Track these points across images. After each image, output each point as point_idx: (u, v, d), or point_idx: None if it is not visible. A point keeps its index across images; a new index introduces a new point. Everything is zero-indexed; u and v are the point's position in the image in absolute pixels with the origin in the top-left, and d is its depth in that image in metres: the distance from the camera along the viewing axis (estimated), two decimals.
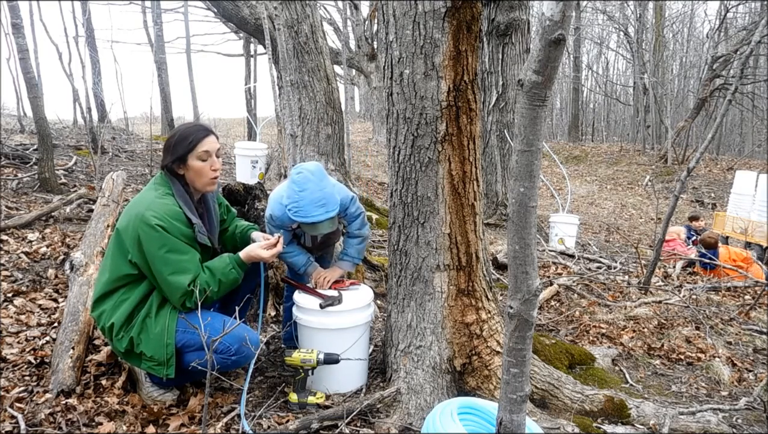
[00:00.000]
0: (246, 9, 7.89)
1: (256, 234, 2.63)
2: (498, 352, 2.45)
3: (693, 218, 7.83)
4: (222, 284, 2.31)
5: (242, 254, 2.40)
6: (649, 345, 3.57)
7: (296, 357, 2.40)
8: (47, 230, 3.98)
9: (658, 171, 15.96)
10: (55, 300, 3.13)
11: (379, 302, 3.65)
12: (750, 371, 3.28)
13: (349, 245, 2.90)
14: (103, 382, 2.45)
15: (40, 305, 3.05)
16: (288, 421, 2.32)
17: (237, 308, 2.37)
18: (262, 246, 2.46)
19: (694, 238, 7.06)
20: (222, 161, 2.44)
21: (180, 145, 2.30)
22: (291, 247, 2.82)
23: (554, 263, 5.31)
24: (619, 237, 8.68)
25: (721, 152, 20.79)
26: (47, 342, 2.69)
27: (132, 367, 2.43)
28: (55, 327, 2.82)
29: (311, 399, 2.44)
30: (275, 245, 2.49)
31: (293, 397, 2.43)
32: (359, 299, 2.65)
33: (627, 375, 3.15)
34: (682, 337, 3.65)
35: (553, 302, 4.25)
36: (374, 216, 6.39)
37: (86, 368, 2.51)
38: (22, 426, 2.09)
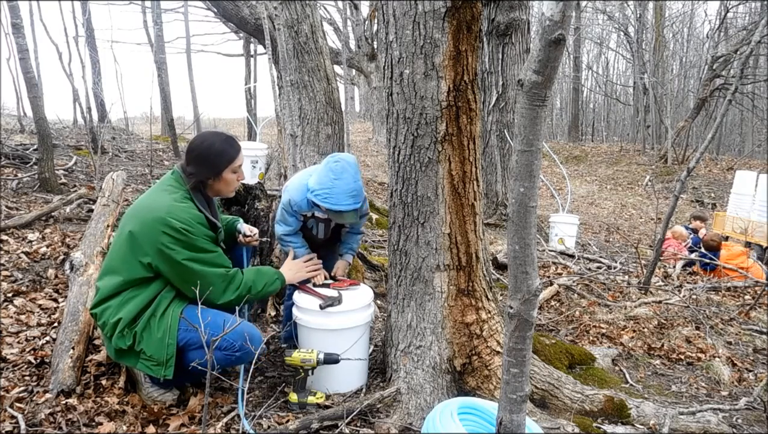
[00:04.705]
0: (246, 9, 7.89)
1: (241, 225, 2.74)
2: (498, 352, 2.45)
3: (696, 218, 7.79)
4: (265, 287, 2.44)
5: (284, 272, 2.61)
6: (649, 345, 3.57)
7: (296, 356, 2.40)
8: (47, 230, 3.98)
9: (658, 171, 15.96)
10: (55, 300, 3.13)
11: (379, 302, 3.65)
12: (750, 371, 3.28)
13: (354, 241, 3.06)
14: (103, 382, 2.45)
15: (40, 305, 3.05)
16: (288, 421, 2.32)
17: (237, 308, 2.38)
18: (303, 265, 2.71)
19: (692, 236, 7.05)
20: None
21: (218, 159, 2.36)
22: (296, 238, 2.85)
23: (554, 263, 5.31)
24: (619, 237, 8.67)
25: (721, 152, 20.77)
26: (47, 342, 2.69)
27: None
28: (55, 327, 2.82)
29: (311, 399, 2.44)
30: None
31: (293, 397, 2.43)
32: (359, 300, 2.65)
33: (627, 375, 3.15)
34: (682, 337, 3.65)
35: (553, 302, 4.25)
36: (374, 216, 6.39)
37: (86, 368, 2.50)
38: (22, 426, 2.09)
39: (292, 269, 2.66)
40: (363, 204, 2.85)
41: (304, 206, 2.72)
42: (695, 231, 7.21)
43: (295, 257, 2.85)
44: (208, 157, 2.33)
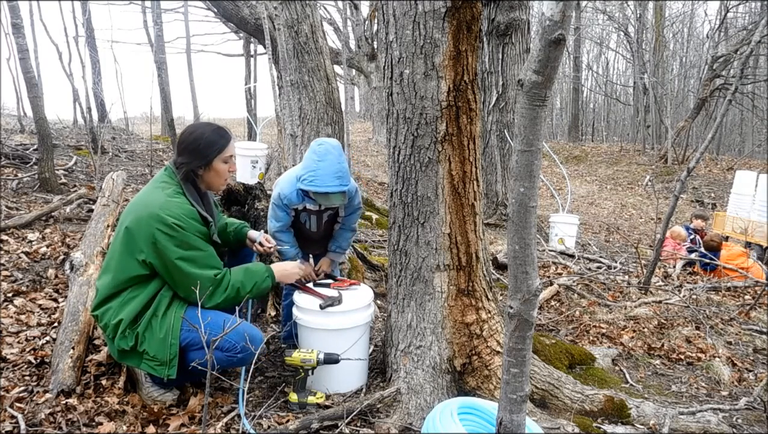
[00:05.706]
0: (246, 9, 7.89)
1: (252, 232, 2.72)
2: (498, 352, 2.45)
3: (697, 217, 7.78)
4: (256, 286, 2.37)
5: (276, 271, 2.50)
6: (649, 345, 3.57)
7: (296, 356, 2.40)
8: (47, 230, 3.98)
9: (658, 171, 15.95)
10: (55, 300, 3.13)
11: (379, 302, 3.65)
12: (750, 371, 3.28)
13: (344, 238, 3.02)
14: (103, 382, 2.45)
15: (40, 305, 3.05)
16: (288, 421, 2.32)
17: (237, 308, 2.38)
18: (298, 270, 2.63)
19: (693, 237, 7.04)
20: None
21: (208, 149, 2.33)
22: (287, 236, 2.85)
23: (554, 263, 5.31)
24: (619, 237, 8.67)
25: (721, 152, 20.76)
26: (47, 342, 2.69)
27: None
28: (55, 327, 2.82)
29: (311, 399, 2.44)
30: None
31: (293, 397, 2.43)
32: (359, 300, 2.65)
33: (627, 375, 3.15)
34: (682, 337, 3.65)
35: (553, 302, 4.25)
36: (374, 216, 6.39)
37: (86, 368, 2.50)
38: (22, 426, 2.09)
39: (283, 267, 2.59)
40: (355, 197, 2.84)
41: (294, 198, 2.71)
42: (697, 231, 7.19)
43: (284, 257, 2.85)
44: (198, 146, 2.32)
